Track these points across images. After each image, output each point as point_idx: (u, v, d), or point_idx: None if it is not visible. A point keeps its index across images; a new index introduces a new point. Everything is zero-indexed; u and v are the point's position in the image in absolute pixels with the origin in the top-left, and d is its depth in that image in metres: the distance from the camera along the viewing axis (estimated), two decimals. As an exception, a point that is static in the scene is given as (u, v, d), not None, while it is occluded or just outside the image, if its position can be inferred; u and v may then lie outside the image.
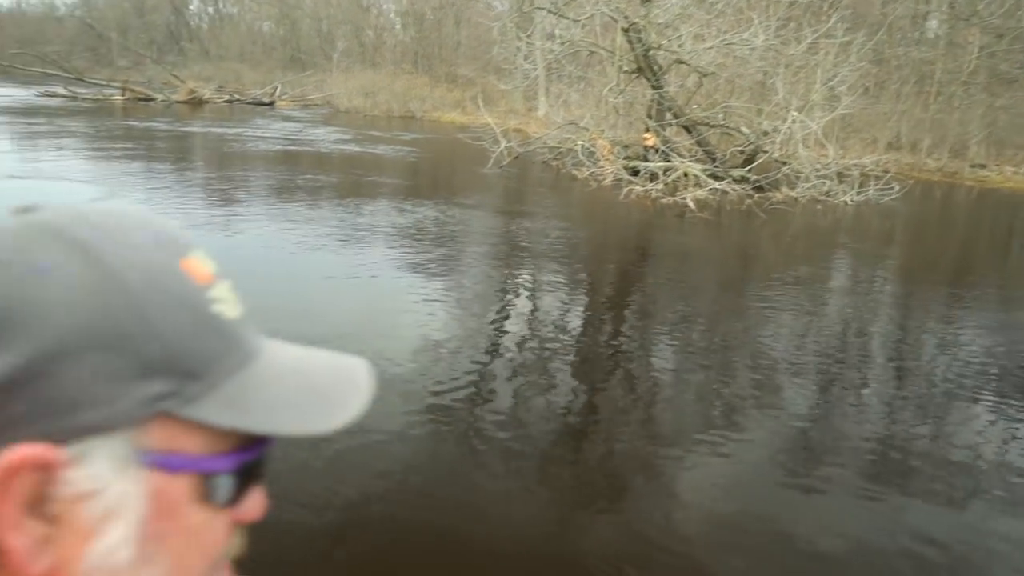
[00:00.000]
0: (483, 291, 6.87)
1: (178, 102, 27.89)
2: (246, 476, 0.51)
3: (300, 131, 21.09)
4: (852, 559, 3.14)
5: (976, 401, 4.98)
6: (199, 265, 0.49)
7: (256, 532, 0.58)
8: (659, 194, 12.75)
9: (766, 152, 14.59)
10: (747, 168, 14.25)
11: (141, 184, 10.93)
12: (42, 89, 27.82)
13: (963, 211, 16.57)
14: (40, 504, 0.43)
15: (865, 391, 5.09)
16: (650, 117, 15.18)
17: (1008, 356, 5.92)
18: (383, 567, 2.91)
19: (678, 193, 12.72)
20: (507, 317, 6.15)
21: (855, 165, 14.97)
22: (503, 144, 15.35)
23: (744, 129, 15.33)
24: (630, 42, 14.68)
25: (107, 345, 0.43)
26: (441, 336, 5.44)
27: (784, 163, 14.44)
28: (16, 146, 14.64)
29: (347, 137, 20.29)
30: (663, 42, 14.92)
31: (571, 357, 5.36)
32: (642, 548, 3.13)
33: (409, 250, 8.03)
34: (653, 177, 13.53)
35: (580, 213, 12.11)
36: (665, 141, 14.64)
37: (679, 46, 15.10)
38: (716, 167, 14.22)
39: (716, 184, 13.28)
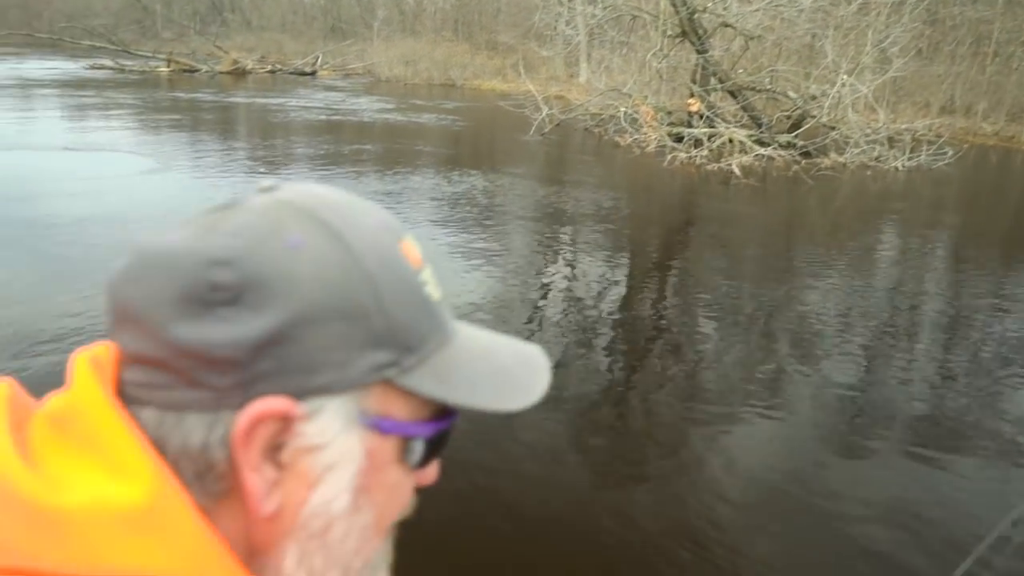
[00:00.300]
0: (529, 258, 6.92)
1: (222, 73, 28.18)
2: (435, 444, 0.57)
3: (342, 101, 21.20)
4: (900, 530, 3.14)
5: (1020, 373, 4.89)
6: (412, 249, 0.56)
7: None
8: (703, 160, 12.60)
9: (814, 117, 14.29)
10: (794, 133, 13.99)
11: (189, 155, 11.15)
12: (90, 62, 28.33)
13: (1020, 177, 16.06)
14: (276, 452, 0.49)
15: (913, 359, 5.03)
16: (694, 82, 14.96)
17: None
18: (422, 533, 2.99)
19: (723, 159, 12.55)
20: (552, 283, 6.20)
21: (906, 129, 14.59)
22: (545, 111, 15.27)
23: (791, 93, 15.01)
24: (674, 5, 14.41)
25: (347, 316, 0.48)
26: (487, 301, 5.51)
27: (832, 128, 14.13)
28: (67, 118, 14.99)
29: (389, 106, 20.36)
30: (708, 5, 14.63)
31: (615, 323, 5.39)
32: (683, 514, 3.16)
33: (456, 219, 8.09)
34: (697, 143, 13.36)
35: (624, 180, 12.03)
36: (710, 107, 14.41)
37: (724, 8, 14.80)
38: (762, 133, 13.97)
39: (762, 150, 13.07)
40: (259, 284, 0.46)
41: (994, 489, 3.49)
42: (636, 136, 14.36)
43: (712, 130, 13.73)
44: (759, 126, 14.31)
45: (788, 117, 14.87)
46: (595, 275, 6.48)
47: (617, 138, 14.73)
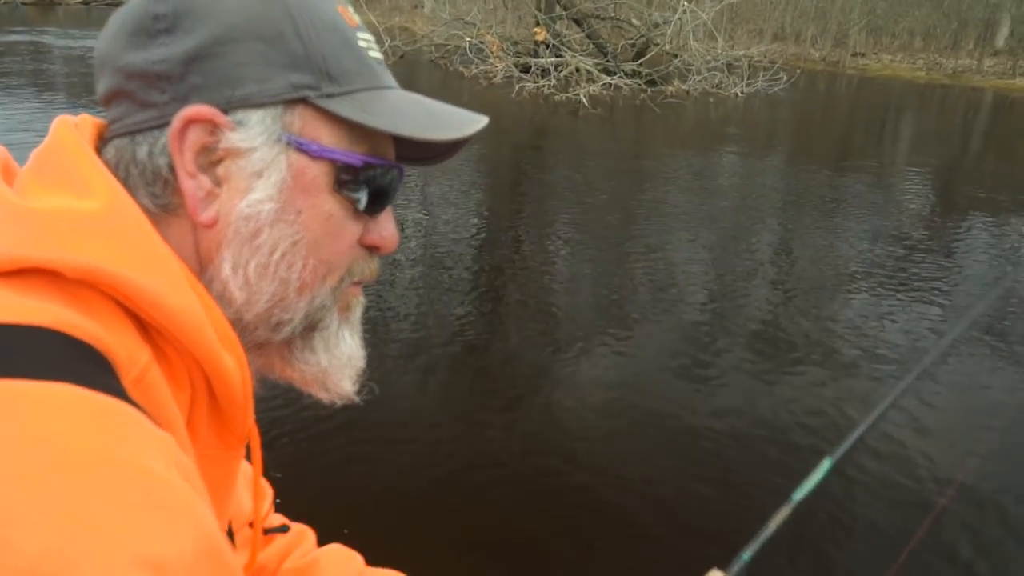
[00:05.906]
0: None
1: (25, 4, 25.18)
2: (377, 188, 0.61)
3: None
4: (749, 436, 3.17)
5: (852, 283, 5.11)
6: (351, 13, 0.63)
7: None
8: (551, 91, 12.45)
9: (657, 44, 14.42)
10: (638, 62, 14.08)
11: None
12: None
13: (844, 100, 17.00)
14: (212, 166, 0.56)
15: (751, 279, 5.14)
16: (539, 10, 14.69)
17: (881, 239, 6.11)
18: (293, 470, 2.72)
19: (571, 89, 12.45)
20: (401, 224, 5.88)
21: (744, 56, 15.03)
22: (387, 43, 14.59)
23: (635, 21, 15.07)
24: (515, -71, 13.98)
25: (264, 38, 0.56)
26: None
27: (675, 56, 14.33)
28: None
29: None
30: (550, -71, 14.30)
31: (466, 262, 5.17)
32: (541, 437, 3.06)
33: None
34: (545, 73, 13.18)
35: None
36: (555, 35, 14.22)
37: (566, -67, 14.52)
38: (608, 61, 13.97)
39: (608, 79, 13.07)
40: (189, 11, 0.55)
41: (829, 396, 3.59)
42: (483, 67, 14.00)
43: (558, 59, 13.59)
44: (604, 55, 14.30)
45: (632, 45, 14.95)
46: (443, 213, 6.22)
47: (463, 69, 14.31)
